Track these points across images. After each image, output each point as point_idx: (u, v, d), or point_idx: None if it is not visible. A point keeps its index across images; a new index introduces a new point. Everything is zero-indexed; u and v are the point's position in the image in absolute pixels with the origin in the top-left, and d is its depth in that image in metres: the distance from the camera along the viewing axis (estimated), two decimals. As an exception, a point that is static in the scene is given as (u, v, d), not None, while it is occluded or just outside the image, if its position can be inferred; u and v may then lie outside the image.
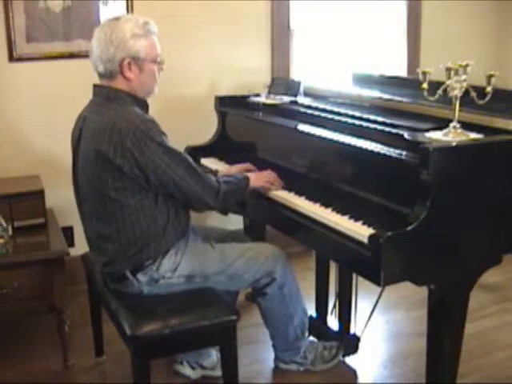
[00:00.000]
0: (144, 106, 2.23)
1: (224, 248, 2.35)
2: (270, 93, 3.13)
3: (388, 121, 2.34)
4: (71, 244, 3.28)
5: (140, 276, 2.19)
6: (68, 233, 3.27)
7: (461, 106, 2.05)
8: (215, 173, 2.65)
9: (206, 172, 2.36)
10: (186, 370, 2.56)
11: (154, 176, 2.08)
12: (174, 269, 2.21)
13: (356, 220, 2.06)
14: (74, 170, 2.27)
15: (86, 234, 2.30)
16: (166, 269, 2.20)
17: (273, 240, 2.83)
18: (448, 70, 2.03)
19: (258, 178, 2.44)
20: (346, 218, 2.10)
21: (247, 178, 2.39)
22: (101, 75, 2.17)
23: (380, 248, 1.83)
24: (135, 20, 2.16)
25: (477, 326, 2.89)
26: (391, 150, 2.08)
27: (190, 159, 2.19)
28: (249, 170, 2.62)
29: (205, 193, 2.19)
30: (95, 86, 2.22)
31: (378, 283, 1.88)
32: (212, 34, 3.50)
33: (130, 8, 3.27)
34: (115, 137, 2.03)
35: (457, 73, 2.01)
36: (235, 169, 2.65)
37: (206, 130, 3.20)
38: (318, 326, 2.81)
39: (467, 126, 2.08)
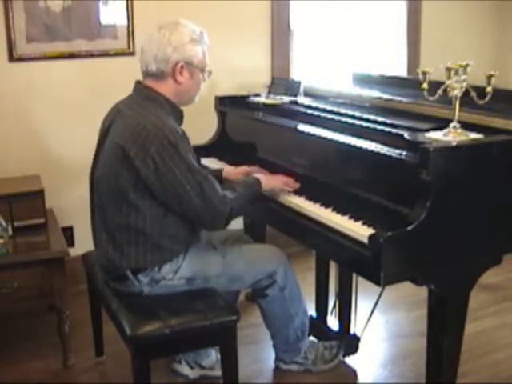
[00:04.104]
0: (179, 117, 2.23)
1: (225, 250, 2.35)
2: (270, 93, 3.13)
3: (388, 121, 2.35)
4: (71, 244, 3.28)
5: (141, 276, 2.18)
6: (68, 233, 3.27)
7: (461, 106, 2.05)
8: (219, 172, 2.61)
9: (212, 173, 2.30)
10: (185, 369, 2.56)
11: (170, 188, 2.05)
12: (176, 271, 2.20)
13: (356, 220, 2.06)
14: (95, 159, 2.26)
15: (92, 227, 2.29)
16: (168, 270, 2.19)
17: (273, 240, 2.83)
18: (448, 70, 2.03)
19: (271, 180, 2.39)
20: (346, 217, 2.10)
21: (258, 182, 2.33)
22: (149, 74, 2.17)
23: (380, 248, 1.83)
24: (193, 27, 2.20)
25: (477, 326, 2.89)
26: (391, 150, 2.08)
27: (212, 181, 2.15)
28: (251, 173, 2.58)
29: (213, 221, 2.16)
30: (138, 82, 2.22)
31: (378, 283, 1.88)
32: (212, 34, 3.44)
33: (129, 8, 3.27)
34: (141, 139, 2.03)
35: (457, 73, 2.02)
36: (236, 173, 2.58)
37: (206, 130, 3.20)
38: (317, 326, 2.81)
39: (467, 126, 2.08)
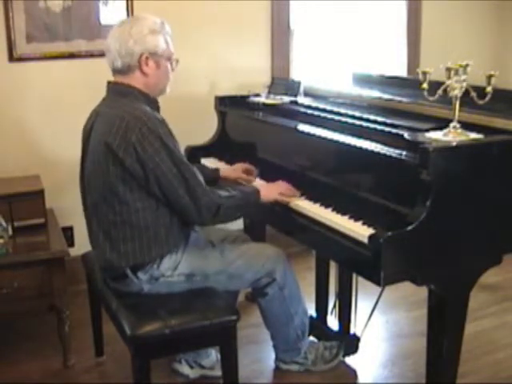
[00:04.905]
0: (155, 105, 2.25)
1: (224, 248, 2.35)
2: (270, 93, 3.13)
3: (388, 121, 2.35)
4: (71, 244, 3.28)
5: (140, 274, 2.19)
6: (68, 233, 3.27)
7: (461, 106, 2.05)
8: (215, 171, 2.65)
9: (205, 171, 2.33)
10: (185, 369, 2.57)
11: (152, 176, 2.07)
12: (175, 267, 2.21)
13: (356, 220, 2.06)
14: (82, 163, 2.28)
15: (88, 229, 2.29)
16: (167, 267, 2.20)
17: (273, 240, 2.83)
18: (448, 69, 2.03)
19: (270, 191, 2.34)
20: (346, 217, 2.10)
21: (257, 192, 2.31)
22: (117, 71, 2.19)
23: (380, 248, 1.83)
24: (153, 18, 2.22)
25: (477, 326, 2.89)
26: (391, 150, 2.08)
27: (195, 172, 2.15)
28: (248, 171, 2.63)
29: (198, 213, 2.14)
30: (109, 82, 2.24)
31: (378, 283, 1.88)
32: (212, 34, 3.50)
33: (129, 8, 3.27)
34: (121, 131, 2.06)
35: (457, 73, 2.02)
36: (235, 171, 2.64)
37: (206, 130, 3.20)
38: (317, 326, 2.81)
39: (467, 126, 2.08)
